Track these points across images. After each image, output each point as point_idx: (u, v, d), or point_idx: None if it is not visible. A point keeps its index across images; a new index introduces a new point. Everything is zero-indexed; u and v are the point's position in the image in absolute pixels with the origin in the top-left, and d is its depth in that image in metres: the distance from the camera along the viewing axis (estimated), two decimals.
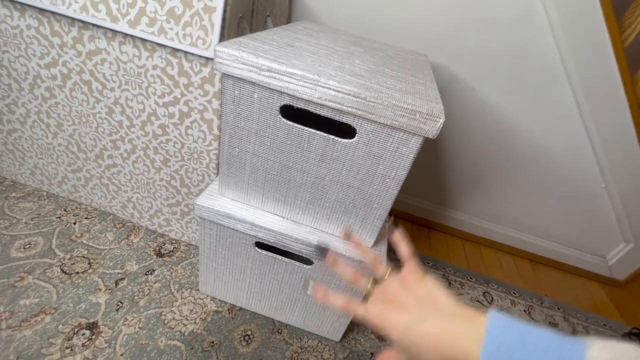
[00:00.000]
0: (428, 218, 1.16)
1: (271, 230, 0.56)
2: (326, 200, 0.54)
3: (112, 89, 0.66)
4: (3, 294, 0.63)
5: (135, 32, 0.56)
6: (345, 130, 0.48)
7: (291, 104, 0.45)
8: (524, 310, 0.94)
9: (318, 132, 0.47)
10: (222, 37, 0.55)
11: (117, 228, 0.83)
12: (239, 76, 0.44)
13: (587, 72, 0.82)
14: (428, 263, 1.01)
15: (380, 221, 0.53)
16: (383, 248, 0.58)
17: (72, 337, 0.60)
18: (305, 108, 0.45)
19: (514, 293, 0.99)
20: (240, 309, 0.73)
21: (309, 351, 0.69)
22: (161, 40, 0.56)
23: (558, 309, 0.98)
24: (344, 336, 0.72)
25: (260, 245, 0.60)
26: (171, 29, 0.55)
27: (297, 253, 0.58)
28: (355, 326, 0.76)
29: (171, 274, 0.76)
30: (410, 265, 0.35)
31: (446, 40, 0.84)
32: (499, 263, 1.11)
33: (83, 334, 0.61)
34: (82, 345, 0.59)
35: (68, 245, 0.76)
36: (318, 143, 0.48)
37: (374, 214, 0.53)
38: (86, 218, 0.83)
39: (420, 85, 0.49)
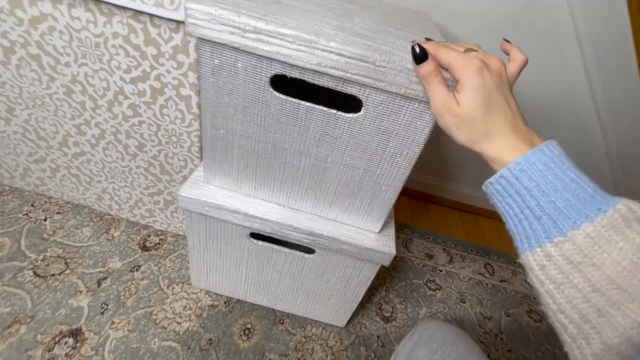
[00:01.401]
0: (426, 191, 1.13)
1: (267, 220, 0.50)
2: (328, 184, 0.48)
3: (67, 64, 0.56)
4: None
5: None
6: (349, 103, 0.41)
7: (284, 72, 0.38)
8: (525, 280, 0.93)
9: (317, 106, 0.40)
10: None
11: (94, 222, 0.75)
12: (218, 40, 0.36)
13: (598, 34, 0.76)
14: (428, 238, 0.98)
15: (389, 204, 0.48)
16: (391, 232, 0.53)
17: (53, 348, 0.54)
18: (301, 77, 0.38)
19: (515, 263, 0.98)
20: (238, 301, 0.68)
21: (314, 340, 0.65)
22: (118, 0, 0.46)
23: None
24: (348, 321, 0.69)
25: (256, 235, 0.55)
26: None
27: (296, 243, 0.53)
28: (360, 310, 0.73)
29: (159, 268, 0.70)
30: (515, 69, 0.34)
31: (445, 7, 0.76)
32: (498, 233, 1.10)
33: (66, 343, 0.55)
34: (66, 355, 0.54)
35: (40, 245, 0.68)
36: (318, 119, 0.41)
37: (382, 197, 0.47)
38: (58, 213, 0.75)
39: None
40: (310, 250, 0.55)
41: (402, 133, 0.40)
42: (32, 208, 0.75)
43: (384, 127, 0.40)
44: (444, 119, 0.31)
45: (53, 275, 0.64)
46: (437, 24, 0.79)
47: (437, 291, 0.83)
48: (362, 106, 0.39)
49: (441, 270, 0.89)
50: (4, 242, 0.67)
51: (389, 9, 0.61)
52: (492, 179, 0.29)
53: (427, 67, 0.32)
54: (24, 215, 0.73)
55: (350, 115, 0.40)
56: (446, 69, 0.32)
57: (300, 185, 0.49)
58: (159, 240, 0.76)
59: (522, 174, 0.27)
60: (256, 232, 0.53)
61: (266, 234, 0.53)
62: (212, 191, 0.51)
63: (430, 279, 0.86)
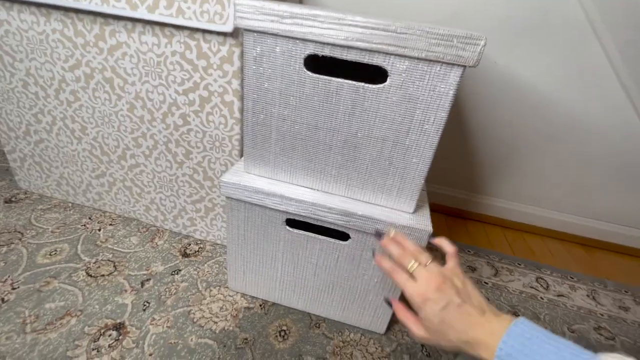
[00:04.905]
0: (462, 207, 1.09)
1: (302, 202, 0.52)
2: (359, 161, 0.50)
3: (132, 83, 0.66)
4: (29, 299, 0.61)
5: (154, 17, 0.57)
6: (378, 79, 0.45)
7: (315, 52, 0.43)
8: (587, 295, 0.83)
9: (347, 80, 0.44)
10: None
11: (141, 232, 0.81)
12: (260, 29, 0.43)
13: (616, 26, 0.78)
14: (469, 251, 0.93)
15: (421, 180, 0.49)
16: (426, 212, 0.53)
17: (98, 339, 0.56)
18: (331, 55, 0.43)
19: (572, 277, 0.89)
20: (273, 304, 0.67)
21: (352, 345, 0.62)
22: (179, 21, 0.56)
23: (625, 291, 0.86)
24: (388, 328, 0.65)
25: (292, 223, 0.56)
26: (188, 8, 0.55)
27: (331, 227, 0.54)
28: None
29: (198, 273, 0.72)
30: (453, 262, 0.41)
31: (464, 16, 0.82)
32: (548, 250, 1.02)
33: (110, 335, 0.57)
34: (109, 346, 0.55)
35: (93, 250, 0.74)
36: (347, 94, 0.45)
37: (414, 171, 0.48)
38: (110, 224, 0.82)
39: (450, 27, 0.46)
40: (345, 237, 0.55)
41: (427, 99, 0.42)
42: (89, 220, 0.82)
43: (410, 94, 0.43)
44: (427, 340, 0.37)
45: (103, 275, 0.68)
46: None
47: None
48: (387, 76, 0.42)
49: (486, 283, 0.82)
50: (64, 247, 0.73)
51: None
52: None
53: (398, 314, 0.41)
54: (82, 226, 0.80)
55: (377, 85, 0.43)
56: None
57: (332, 166, 0.51)
58: (198, 248, 0.79)
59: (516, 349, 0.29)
60: (292, 217, 0.55)
61: (301, 219, 0.54)
62: (251, 178, 0.55)
63: None
